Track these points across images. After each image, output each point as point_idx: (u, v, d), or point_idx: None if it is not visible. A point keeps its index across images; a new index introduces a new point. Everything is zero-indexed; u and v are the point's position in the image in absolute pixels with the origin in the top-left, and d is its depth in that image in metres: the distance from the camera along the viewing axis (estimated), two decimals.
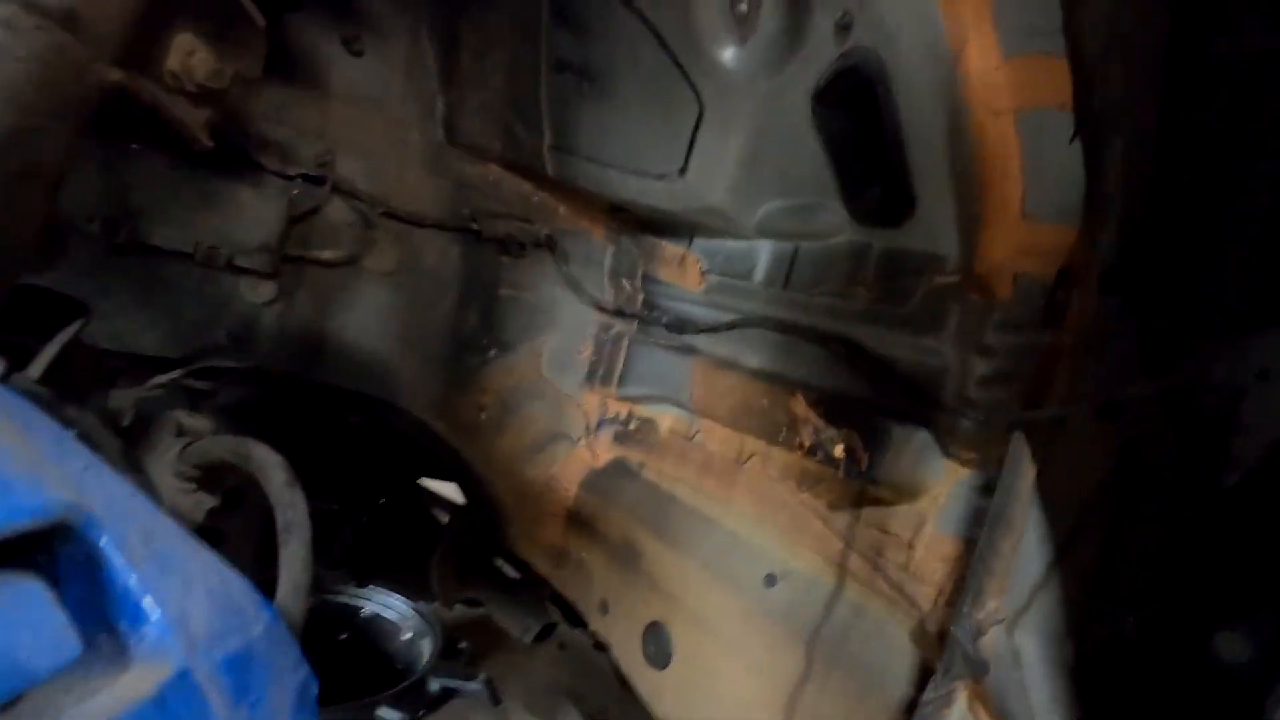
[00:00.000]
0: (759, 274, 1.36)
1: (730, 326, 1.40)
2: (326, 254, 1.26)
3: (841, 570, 1.19)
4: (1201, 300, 0.98)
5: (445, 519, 2.06)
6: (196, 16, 0.77)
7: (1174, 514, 1.03)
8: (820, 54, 1.02)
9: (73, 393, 0.63)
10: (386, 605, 1.92)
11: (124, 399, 1.13)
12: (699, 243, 1.49)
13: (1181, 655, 0.99)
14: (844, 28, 0.97)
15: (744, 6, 1.04)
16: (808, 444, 1.23)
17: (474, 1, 1.28)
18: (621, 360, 1.66)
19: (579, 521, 1.72)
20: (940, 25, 0.92)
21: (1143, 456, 1.01)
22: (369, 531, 1.82)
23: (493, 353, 1.57)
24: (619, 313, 1.66)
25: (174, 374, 1.18)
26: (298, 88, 1.22)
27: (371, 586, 1.83)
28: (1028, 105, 0.95)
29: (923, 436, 1.09)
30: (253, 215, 1.17)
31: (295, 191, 1.21)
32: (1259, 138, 0.93)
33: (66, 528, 0.36)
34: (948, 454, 1.07)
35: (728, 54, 1.10)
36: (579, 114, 1.33)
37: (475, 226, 1.46)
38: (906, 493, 1.11)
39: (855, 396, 1.18)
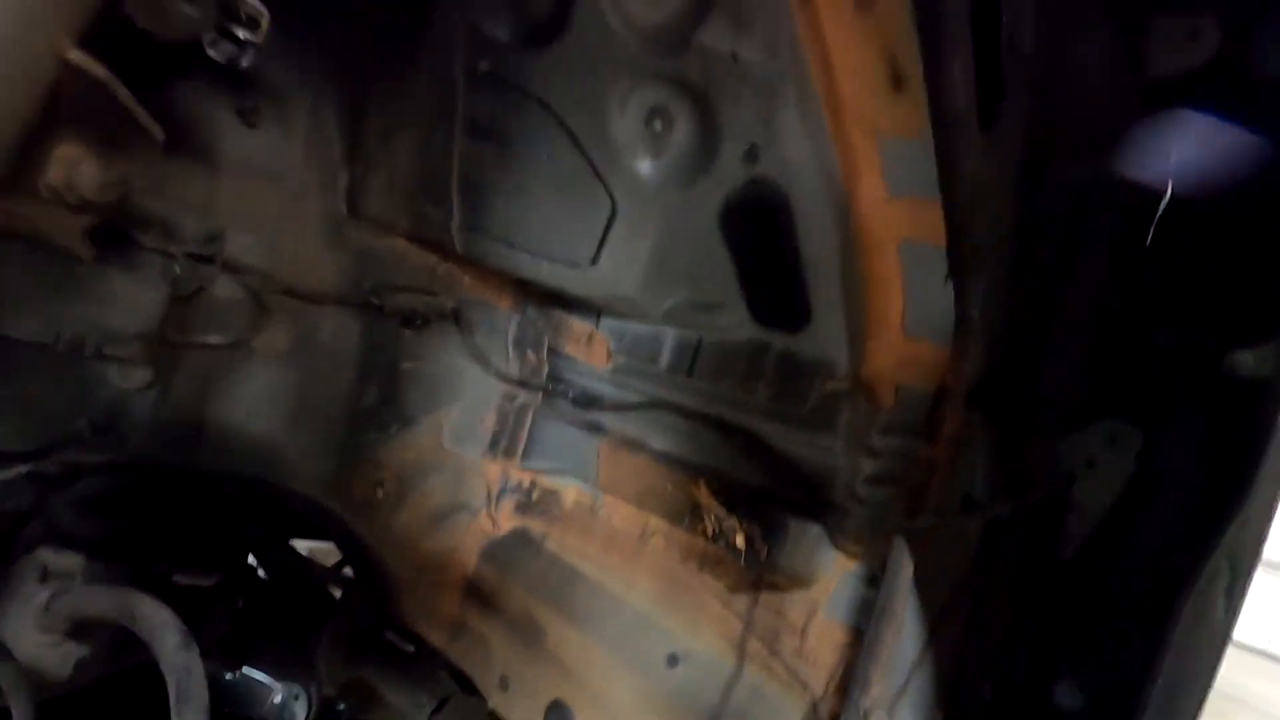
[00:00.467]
0: (665, 359, 1.41)
1: (637, 408, 1.44)
2: (212, 338, 1.17)
3: (741, 653, 1.25)
4: (1039, 403, 1.13)
5: (322, 589, 1.95)
6: (83, 124, 0.71)
7: (1022, 586, 1.16)
8: (728, 177, 1.09)
9: None
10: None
11: None
12: (607, 322, 1.52)
13: (1028, 709, 1.13)
14: (751, 158, 1.05)
15: (658, 125, 1.09)
16: (710, 531, 1.29)
17: (383, 78, 1.25)
18: (525, 432, 1.66)
19: (478, 593, 1.68)
20: (836, 165, 1.01)
21: (997, 541, 1.14)
22: (246, 613, 1.68)
23: (393, 428, 1.52)
24: (523, 384, 1.65)
25: (14, 469, 1.05)
26: (184, 159, 1.14)
27: (243, 672, 1.69)
28: (909, 238, 1.06)
29: (816, 530, 1.18)
30: (127, 299, 1.07)
31: (178, 271, 1.13)
32: (1086, 257, 1.10)
33: None
34: (837, 546, 1.16)
35: (642, 165, 1.14)
36: (491, 197, 1.33)
37: (376, 301, 1.42)
38: (800, 581, 1.19)
39: (755, 487, 1.25)
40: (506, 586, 1.64)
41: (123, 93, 0.73)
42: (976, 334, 1.07)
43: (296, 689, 2.18)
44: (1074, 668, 1.10)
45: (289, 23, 1.07)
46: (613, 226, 1.26)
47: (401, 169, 1.32)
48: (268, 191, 1.24)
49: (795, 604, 1.19)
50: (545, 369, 1.65)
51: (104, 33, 0.65)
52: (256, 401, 1.29)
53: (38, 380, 1.05)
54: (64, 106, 0.70)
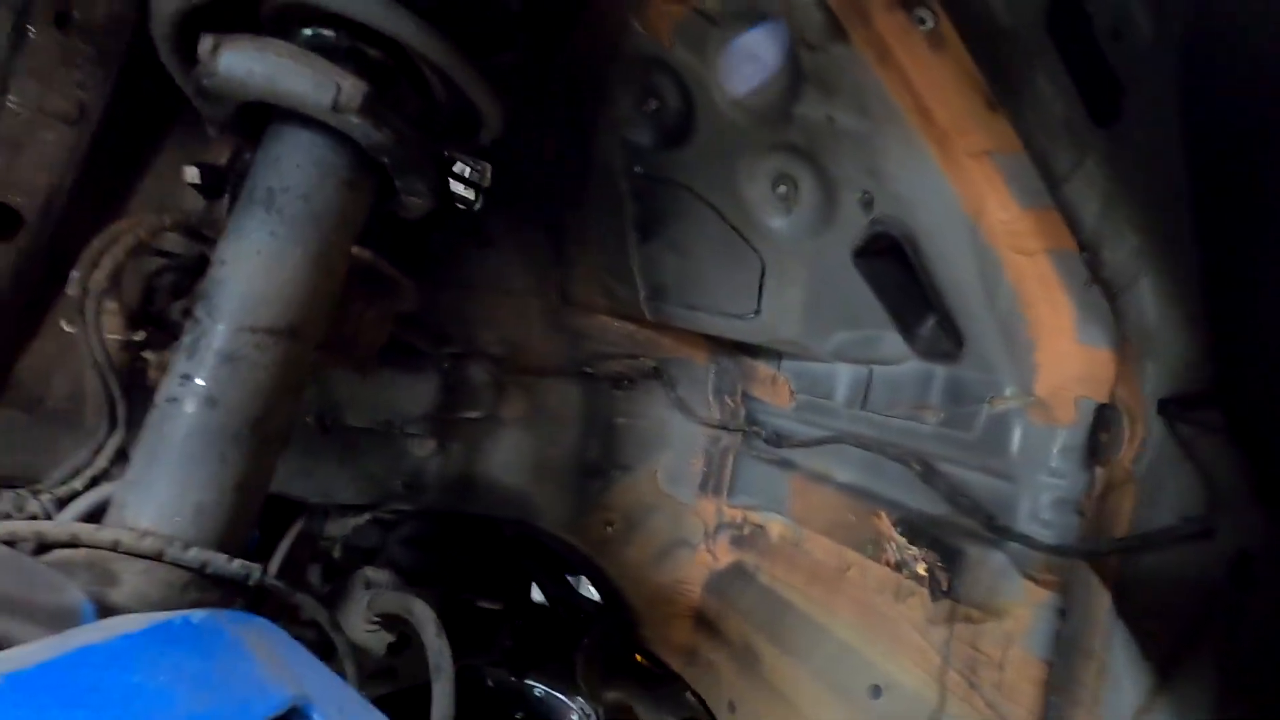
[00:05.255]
0: (839, 394, 1.47)
1: (820, 443, 1.51)
2: (472, 413, 1.56)
3: (942, 686, 1.22)
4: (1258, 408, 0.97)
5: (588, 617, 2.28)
6: (364, 290, 1.09)
7: None
8: (852, 222, 1.16)
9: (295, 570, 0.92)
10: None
11: (338, 528, 1.49)
12: (787, 364, 1.63)
13: None
14: (867, 204, 1.11)
15: (783, 189, 1.21)
16: (893, 561, 1.30)
17: (573, 199, 1.57)
18: (729, 471, 1.81)
19: (704, 622, 1.85)
20: (953, 192, 1.03)
21: (1250, 569, 0.99)
22: (524, 631, 2.07)
23: (615, 475, 1.79)
24: (724, 427, 1.82)
25: (365, 516, 1.53)
26: (443, 283, 1.56)
27: (527, 681, 2.07)
28: (1057, 247, 1.02)
29: (999, 558, 1.13)
30: (415, 392, 1.50)
31: (446, 366, 1.54)
32: None
33: (297, 711, 0.59)
34: (1026, 575, 1.10)
35: (777, 223, 1.27)
36: (664, 270, 1.55)
37: (590, 369, 1.72)
38: (993, 612, 1.14)
39: (932, 516, 1.24)
40: (728, 616, 1.78)
41: (383, 265, 1.12)
42: (1154, 341, 0.97)
43: (589, 707, 2.55)
44: None
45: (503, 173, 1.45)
46: (765, 279, 1.39)
47: (595, 262, 1.62)
48: (500, 297, 1.62)
49: (990, 636, 1.15)
50: (742, 411, 1.80)
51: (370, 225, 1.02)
52: (507, 459, 1.66)
53: (370, 454, 1.52)
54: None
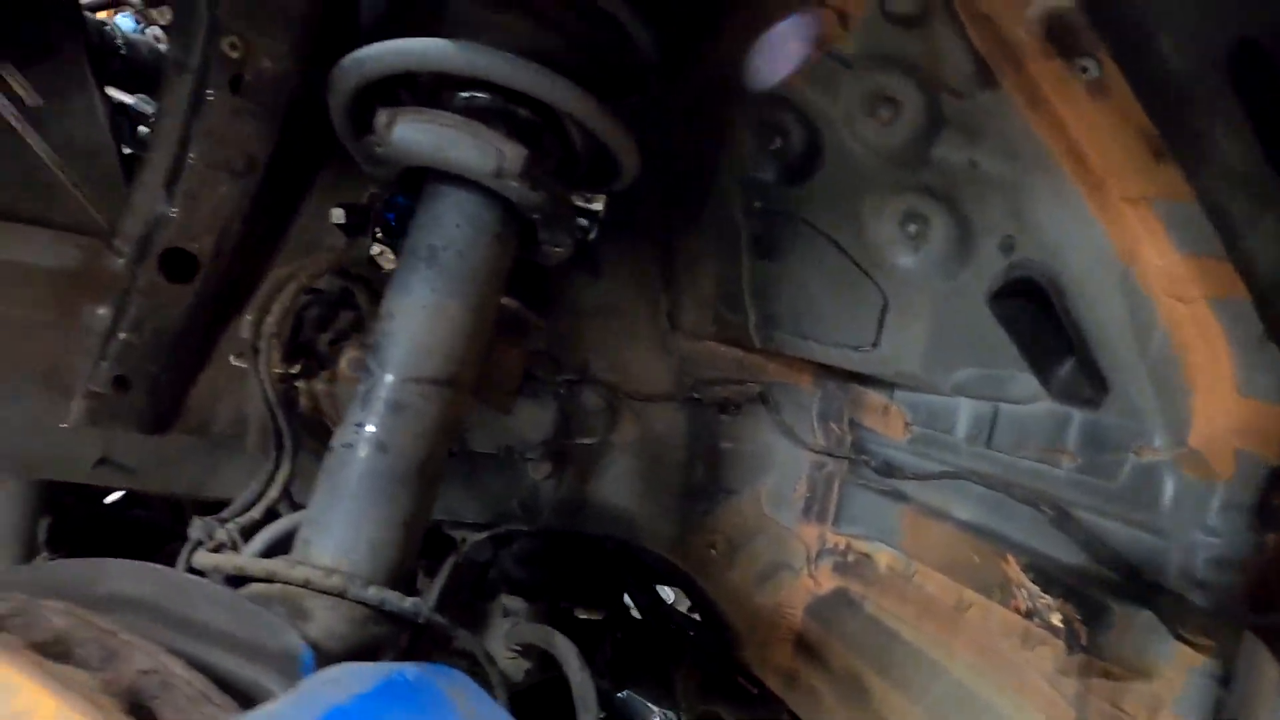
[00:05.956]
0: (960, 430, 1.43)
1: (937, 476, 1.48)
2: (585, 439, 1.61)
3: None
4: None
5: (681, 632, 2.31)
6: (505, 334, 1.15)
7: None
8: (988, 266, 1.13)
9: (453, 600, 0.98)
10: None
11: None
12: (901, 394, 1.60)
13: None
14: (1008, 248, 1.08)
15: (913, 228, 1.19)
16: (1023, 608, 1.26)
17: (685, 228, 1.59)
18: (835, 498, 1.80)
19: (806, 647, 1.84)
20: (1106, 237, 1.00)
21: None
22: (623, 643, 2.12)
23: (719, 498, 1.81)
24: (829, 454, 1.80)
25: (483, 534, 1.60)
26: (560, 313, 1.61)
27: (628, 692, 2.11)
28: (1220, 295, 0.97)
29: (1145, 616, 1.08)
30: (535, 419, 1.56)
31: (562, 393, 1.59)
32: None
33: None
34: (1178, 637, 1.05)
35: (904, 261, 1.25)
36: (778, 300, 1.55)
37: (697, 395, 1.74)
38: (1137, 672, 1.10)
39: (1069, 565, 1.20)
40: (832, 643, 1.77)
41: (524, 311, 1.18)
42: None
43: (671, 715, 2.59)
44: None
45: (615, 202, 1.48)
46: (887, 314, 1.37)
47: (705, 289, 1.63)
48: (612, 323, 1.66)
49: (1134, 696, 1.10)
50: (848, 439, 1.78)
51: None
52: (616, 482, 1.70)
53: (490, 477, 1.59)
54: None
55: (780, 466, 1.86)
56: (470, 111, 0.97)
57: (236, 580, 0.92)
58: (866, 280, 1.36)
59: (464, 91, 0.99)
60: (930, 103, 1.04)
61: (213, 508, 1.13)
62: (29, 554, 1.43)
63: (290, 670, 0.69)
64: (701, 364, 1.76)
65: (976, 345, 1.27)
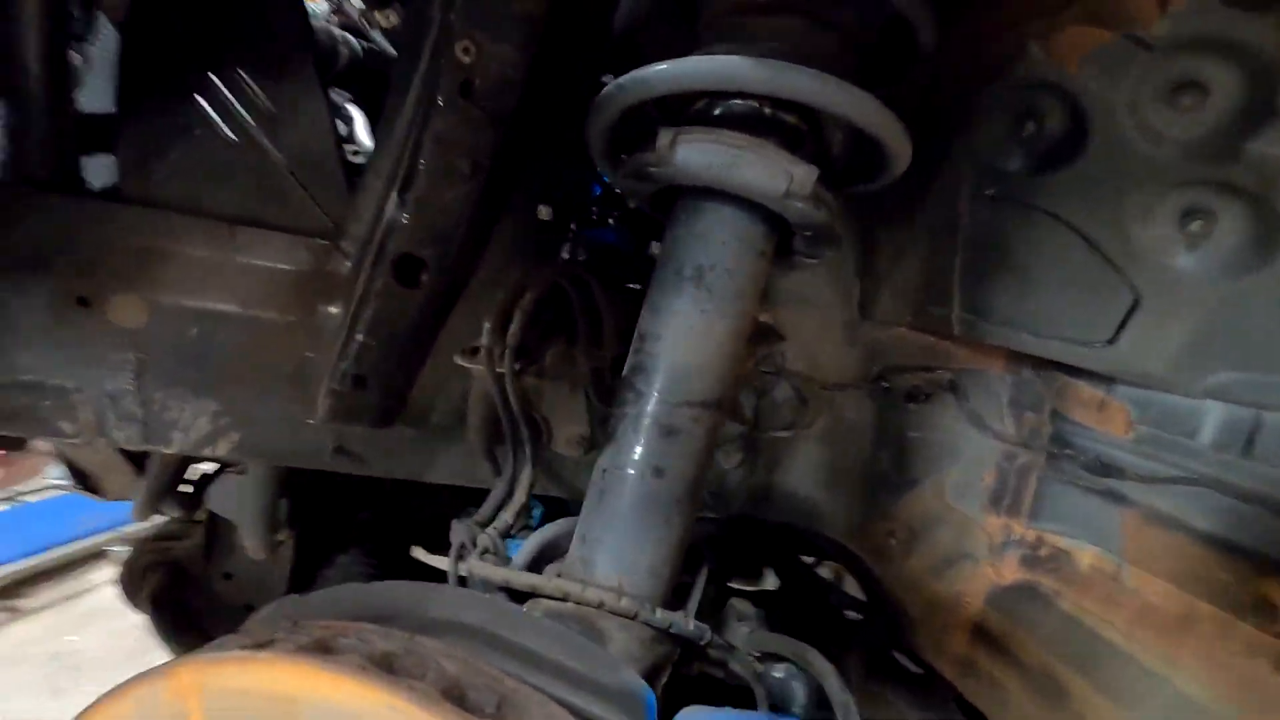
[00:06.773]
0: (1206, 436, 1.32)
1: (1172, 482, 1.38)
2: (779, 431, 1.59)
3: None
4: None
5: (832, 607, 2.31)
6: (751, 346, 1.13)
7: None
8: None
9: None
10: None
11: None
12: (1125, 390, 1.48)
13: None
14: None
15: (1196, 225, 1.07)
16: None
17: (892, 216, 1.50)
18: (1030, 491, 1.71)
19: (986, 636, 1.81)
20: None
21: None
22: (783, 618, 2.15)
23: (902, 487, 1.76)
24: (1023, 444, 1.71)
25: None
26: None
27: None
28: None
29: None
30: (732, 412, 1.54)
31: (756, 384, 1.57)
32: None
33: None
34: None
35: (1175, 260, 1.13)
36: (992, 292, 1.46)
37: (885, 383, 1.68)
38: None
39: None
40: (1018, 636, 1.72)
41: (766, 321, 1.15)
42: None
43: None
44: None
45: None
46: (1135, 313, 1.26)
47: (907, 279, 1.55)
48: (804, 313, 1.61)
49: None
50: (1047, 430, 1.68)
51: None
52: (803, 471, 1.68)
53: None
54: None
55: (966, 455, 1.79)
56: (731, 120, 0.93)
57: (511, 592, 0.96)
58: (1112, 275, 1.24)
59: (724, 99, 0.95)
60: (1252, 91, 0.91)
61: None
62: (272, 531, 1.57)
63: (636, 711, 0.71)
64: (889, 352, 1.69)
65: (1247, 348, 1.15)
